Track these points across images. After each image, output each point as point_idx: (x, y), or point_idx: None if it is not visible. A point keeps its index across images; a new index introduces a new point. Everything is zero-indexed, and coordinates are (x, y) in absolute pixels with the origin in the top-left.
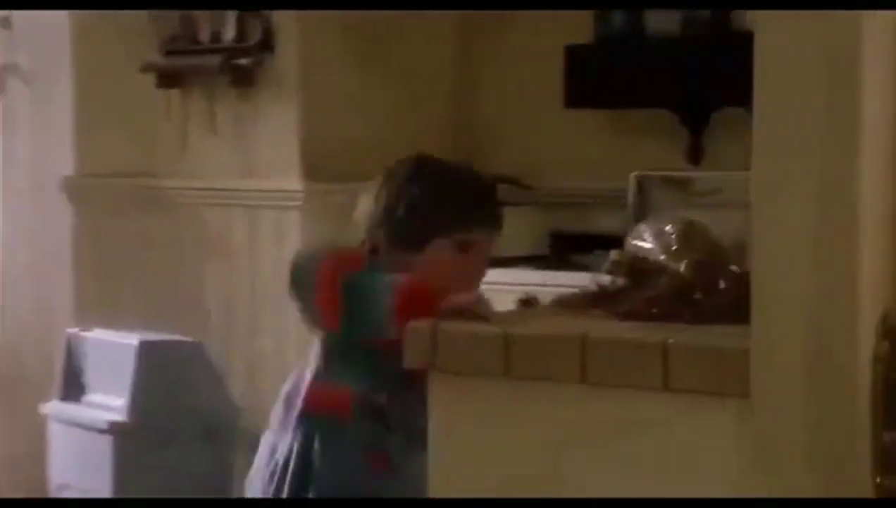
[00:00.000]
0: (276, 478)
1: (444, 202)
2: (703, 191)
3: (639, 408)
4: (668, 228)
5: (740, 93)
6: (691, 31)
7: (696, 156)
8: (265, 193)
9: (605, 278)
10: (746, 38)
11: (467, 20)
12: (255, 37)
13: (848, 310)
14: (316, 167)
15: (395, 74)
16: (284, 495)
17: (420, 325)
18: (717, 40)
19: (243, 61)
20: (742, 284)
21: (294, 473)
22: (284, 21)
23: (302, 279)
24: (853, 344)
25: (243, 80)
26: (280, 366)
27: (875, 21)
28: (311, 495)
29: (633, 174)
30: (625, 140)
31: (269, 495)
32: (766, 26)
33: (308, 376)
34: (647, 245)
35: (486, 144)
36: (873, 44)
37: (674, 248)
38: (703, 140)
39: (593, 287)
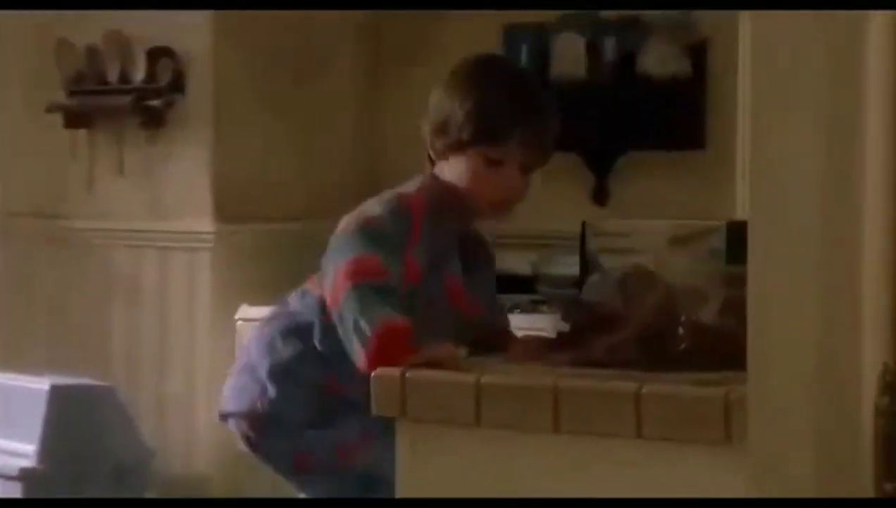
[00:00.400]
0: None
1: (477, 111)
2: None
3: (612, 456)
4: (624, 274)
5: (644, 137)
6: (597, 76)
7: (601, 199)
8: (175, 234)
9: (562, 325)
10: (650, 83)
11: (375, 63)
12: (165, 77)
13: (850, 361)
14: (226, 208)
15: (304, 116)
16: None
17: (388, 372)
18: (621, 86)
19: (154, 102)
20: (697, 331)
21: None
22: (195, 62)
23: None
24: (856, 395)
25: (153, 121)
26: (189, 407)
27: (876, 21)
28: None
29: (582, 221)
30: (532, 182)
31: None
32: (763, 27)
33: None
34: (605, 292)
35: (392, 186)
36: (876, 45)
37: (632, 295)
38: (609, 183)
39: (549, 334)
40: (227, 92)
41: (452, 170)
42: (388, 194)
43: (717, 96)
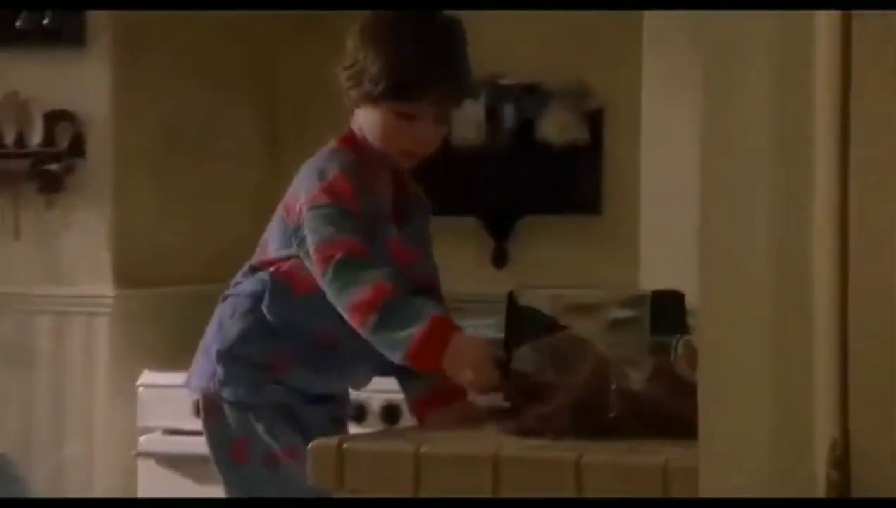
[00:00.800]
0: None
1: (391, 67)
2: (577, 306)
3: None
4: (556, 342)
5: (543, 202)
6: (496, 141)
7: (500, 262)
8: (73, 298)
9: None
10: (549, 149)
11: (274, 130)
12: (64, 141)
13: (801, 436)
14: (126, 272)
15: (203, 181)
16: None
17: (325, 443)
18: (521, 151)
19: (52, 167)
20: (628, 399)
21: None
22: (95, 125)
23: None
24: (809, 469)
25: (51, 186)
26: (86, 475)
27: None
28: None
29: (508, 290)
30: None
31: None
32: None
33: None
34: (537, 360)
35: None
36: (823, 44)
37: (564, 363)
38: (508, 246)
39: (481, 403)
40: (126, 156)
41: (366, 120)
42: (320, 198)
43: (614, 163)
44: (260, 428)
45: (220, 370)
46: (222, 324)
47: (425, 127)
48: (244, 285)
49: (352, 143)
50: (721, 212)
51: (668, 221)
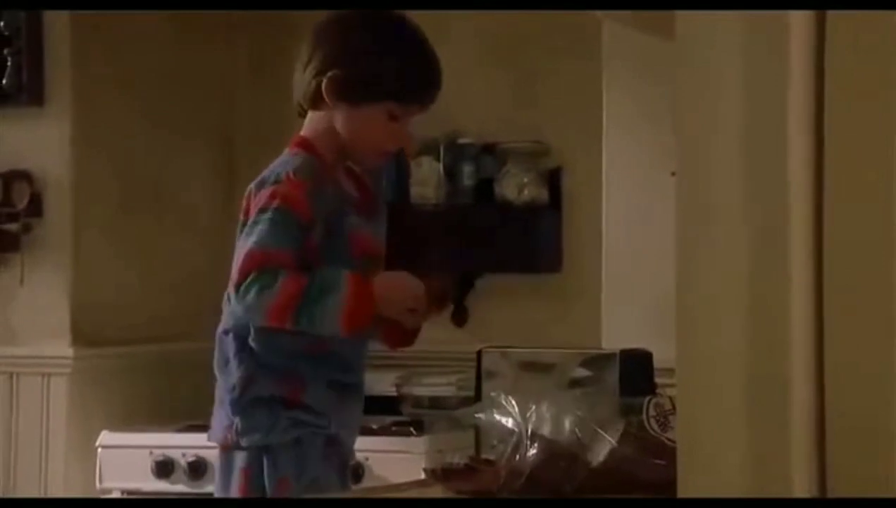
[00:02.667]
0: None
1: (397, 70)
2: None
3: None
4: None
5: (502, 260)
6: (455, 200)
7: (460, 320)
8: (29, 359)
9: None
10: (508, 208)
11: (230, 182)
12: (22, 201)
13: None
14: (84, 332)
15: (162, 239)
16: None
17: None
18: (480, 210)
19: (9, 226)
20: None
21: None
22: (53, 185)
23: None
24: None
25: (9, 246)
26: None
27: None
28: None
29: (477, 349)
30: None
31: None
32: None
33: None
34: (504, 420)
35: None
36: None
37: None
38: (468, 305)
39: (438, 464)
40: (84, 215)
41: (345, 120)
42: (270, 201)
43: (574, 221)
44: (267, 464)
45: (237, 421)
46: (226, 371)
47: (406, 127)
48: (224, 318)
49: (307, 145)
50: (696, 267)
51: (629, 278)
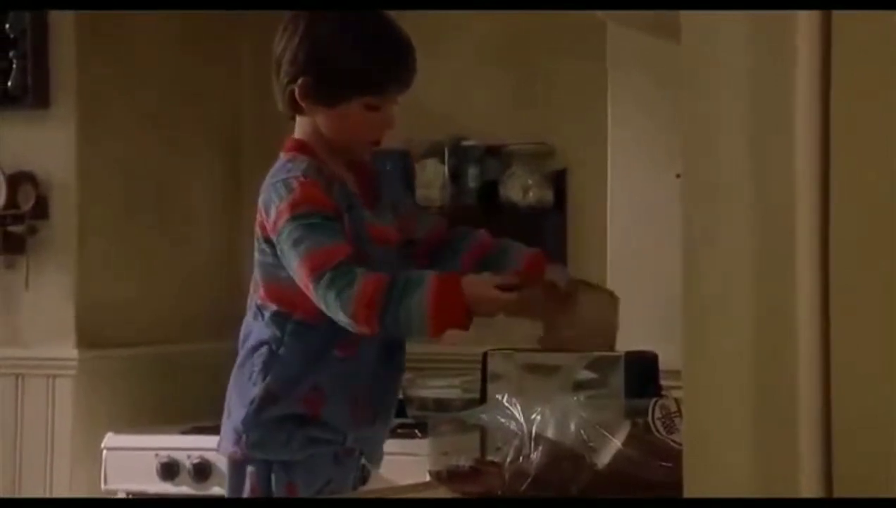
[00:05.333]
0: (247, 361)
1: (357, 61)
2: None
3: None
4: (535, 407)
5: None
6: (459, 202)
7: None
8: (35, 360)
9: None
10: (513, 210)
11: (236, 186)
12: (27, 203)
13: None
14: (90, 334)
15: (168, 240)
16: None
17: None
18: (485, 212)
19: (15, 228)
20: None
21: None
22: (58, 186)
23: None
24: None
25: (15, 248)
26: None
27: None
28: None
29: (483, 352)
30: None
31: (248, 374)
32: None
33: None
34: (509, 422)
35: None
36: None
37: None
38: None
39: (443, 466)
40: (89, 217)
41: (325, 121)
42: (295, 208)
43: (579, 223)
44: (276, 472)
45: (248, 436)
46: (247, 384)
47: (389, 114)
48: (254, 334)
49: (302, 147)
50: (702, 269)
51: (634, 280)
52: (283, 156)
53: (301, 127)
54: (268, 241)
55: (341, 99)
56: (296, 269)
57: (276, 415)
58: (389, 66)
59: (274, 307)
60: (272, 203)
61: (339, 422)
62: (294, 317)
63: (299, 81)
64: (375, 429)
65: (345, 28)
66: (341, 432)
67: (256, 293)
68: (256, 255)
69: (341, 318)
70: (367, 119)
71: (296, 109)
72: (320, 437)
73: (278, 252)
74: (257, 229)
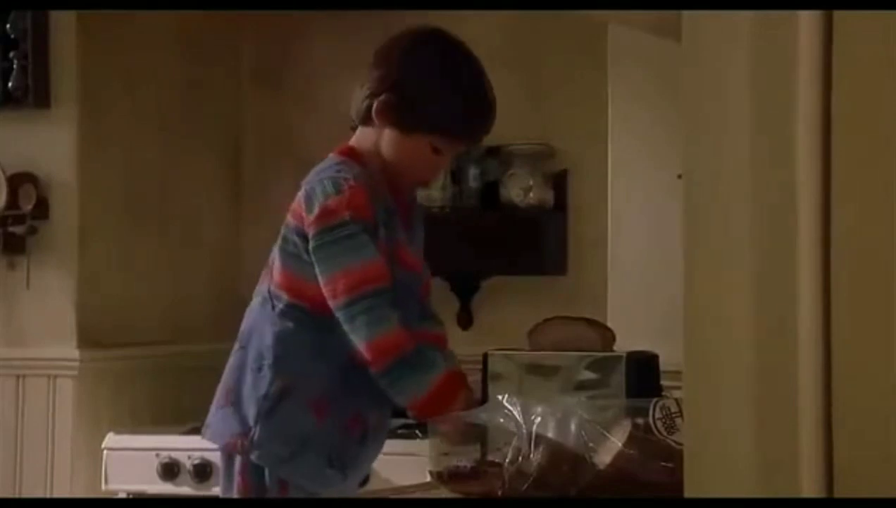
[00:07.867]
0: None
1: (448, 105)
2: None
3: None
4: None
5: (507, 263)
6: (461, 203)
7: (465, 322)
8: (36, 361)
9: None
10: (513, 211)
11: (236, 186)
12: (28, 204)
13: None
14: (90, 334)
15: (169, 240)
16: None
17: None
18: (485, 213)
19: (16, 229)
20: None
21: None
22: (58, 187)
23: None
24: None
25: (15, 248)
26: None
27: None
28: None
29: (483, 352)
30: None
31: (258, 366)
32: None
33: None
34: (510, 423)
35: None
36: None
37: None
38: (473, 307)
39: (444, 466)
40: (90, 217)
41: (390, 143)
42: (340, 212)
43: (579, 223)
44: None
45: (256, 434)
46: (255, 380)
47: (446, 161)
48: (265, 324)
49: (354, 154)
50: (703, 269)
51: (635, 281)
52: (333, 157)
53: (362, 137)
54: (300, 234)
55: (416, 130)
56: (329, 277)
57: (285, 416)
58: (473, 121)
59: (288, 299)
60: (315, 198)
61: (332, 439)
62: (311, 313)
63: (383, 96)
64: (365, 448)
65: (446, 68)
66: (335, 447)
67: (270, 281)
68: (280, 243)
69: (356, 339)
70: (428, 157)
71: (366, 120)
72: (318, 450)
73: (310, 249)
74: (290, 219)
